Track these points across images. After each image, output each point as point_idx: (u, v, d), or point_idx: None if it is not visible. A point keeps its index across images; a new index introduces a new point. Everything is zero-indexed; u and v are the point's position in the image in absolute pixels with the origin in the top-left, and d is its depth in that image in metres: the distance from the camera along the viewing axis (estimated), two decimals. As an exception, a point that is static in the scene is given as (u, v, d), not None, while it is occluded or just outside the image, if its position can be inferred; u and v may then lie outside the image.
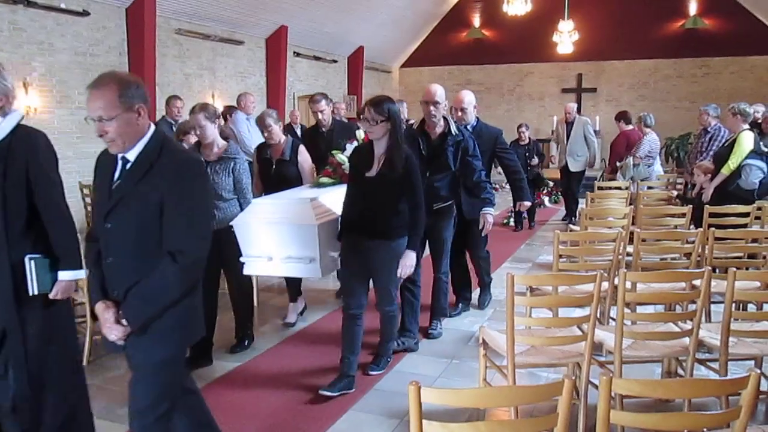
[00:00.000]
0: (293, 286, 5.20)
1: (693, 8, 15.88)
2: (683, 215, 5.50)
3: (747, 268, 4.61)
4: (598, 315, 3.34)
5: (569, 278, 3.58)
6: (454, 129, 4.54)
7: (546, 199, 11.65)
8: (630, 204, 6.51)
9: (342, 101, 13.36)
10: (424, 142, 4.58)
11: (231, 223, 4.09)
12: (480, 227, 4.72)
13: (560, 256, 4.27)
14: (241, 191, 4.25)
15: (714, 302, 4.37)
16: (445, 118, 4.57)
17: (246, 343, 4.60)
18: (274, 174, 4.93)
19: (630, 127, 9.15)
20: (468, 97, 5.14)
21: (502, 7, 13.28)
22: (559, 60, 16.35)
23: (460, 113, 5.09)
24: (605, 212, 5.94)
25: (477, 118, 5.21)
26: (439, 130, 4.59)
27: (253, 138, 8.37)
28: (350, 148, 4.61)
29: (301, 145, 5.07)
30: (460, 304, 5.44)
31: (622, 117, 9.36)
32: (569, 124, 9.67)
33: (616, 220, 5.62)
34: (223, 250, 4.03)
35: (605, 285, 3.96)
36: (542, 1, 14.85)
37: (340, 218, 4.00)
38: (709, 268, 3.30)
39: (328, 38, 14.65)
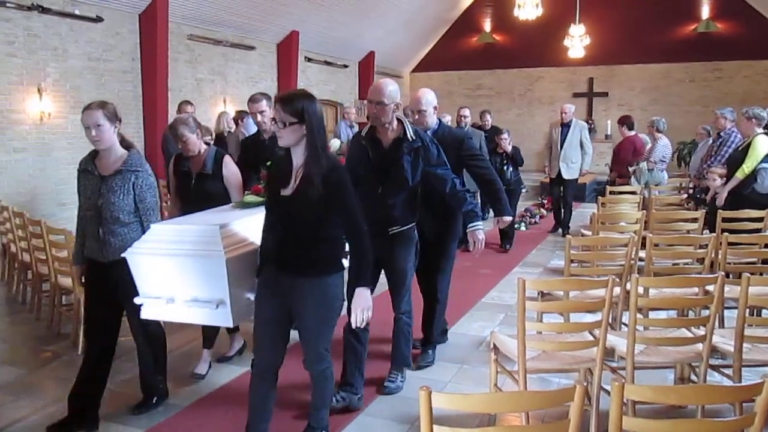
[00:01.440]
0: (209, 327, 4.19)
1: (705, 12, 15.80)
2: (696, 220, 5.46)
3: (761, 274, 4.56)
4: (609, 320, 3.32)
5: (581, 283, 3.56)
6: (410, 133, 3.67)
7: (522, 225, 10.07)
8: (642, 208, 6.48)
9: (353, 106, 13.40)
10: (374, 150, 3.71)
11: (124, 254, 3.23)
12: (471, 248, 3.97)
13: (572, 261, 4.26)
14: (145, 213, 3.40)
15: (727, 308, 4.33)
16: (400, 121, 3.73)
17: (155, 401, 3.72)
18: (193, 190, 4.10)
19: (632, 132, 8.99)
20: (427, 97, 4.29)
21: (513, 12, 13.29)
22: (570, 64, 16.31)
23: (417, 116, 4.25)
24: (617, 217, 5.91)
25: (439, 120, 4.37)
26: (392, 135, 3.72)
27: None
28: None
29: (226, 155, 4.21)
30: (430, 350, 4.47)
31: (625, 122, 9.12)
32: (565, 127, 8.95)
33: (628, 224, 5.59)
34: (120, 287, 3.34)
35: (617, 290, 3.94)
36: (553, 5, 14.84)
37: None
38: (723, 273, 3.27)
39: (339, 43, 14.70)
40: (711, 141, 8.43)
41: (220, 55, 11.75)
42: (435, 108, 4.28)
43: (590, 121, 16.61)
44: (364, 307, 2.95)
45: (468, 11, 17.77)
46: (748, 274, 3.18)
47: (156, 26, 9.74)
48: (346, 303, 3.18)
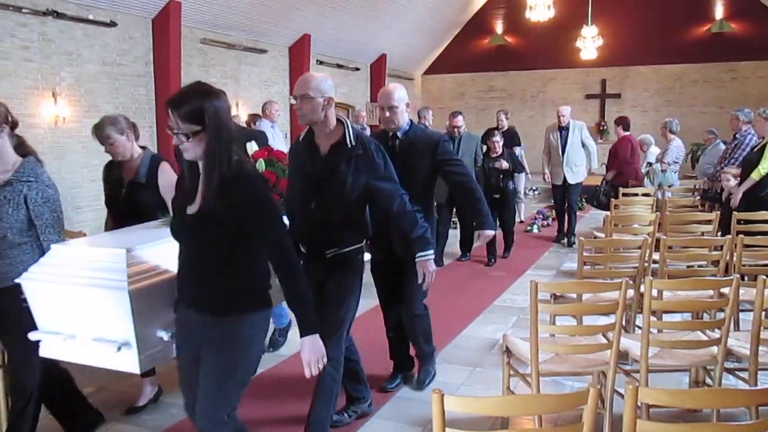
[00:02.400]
0: None
1: (719, 12, 15.68)
2: (710, 222, 5.42)
3: (777, 276, 4.52)
4: (623, 323, 3.30)
5: (594, 286, 3.54)
6: (350, 138, 3.07)
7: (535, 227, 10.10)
8: (655, 210, 6.43)
9: (364, 109, 13.42)
10: (311, 158, 3.13)
11: (17, 280, 2.71)
12: (419, 280, 3.30)
13: (584, 263, 4.24)
14: (43, 231, 2.87)
15: (743, 310, 4.30)
16: (341, 122, 3.14)
17: None
18: (123, 201, 3.57)
19: (627, 133, 8.84)
20: (399, 92, 3.77)
21: (524, 14, 13.25)
22: (583, 66, 16.24)
23: (388, 113, 3.74)
24: (630, 219, 5.87)
25: (411, 121, 3.87)
26: (330, 139, 3.10)
27: (277, 145, 8.44)
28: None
29: (164, 162, 3.66)
30: (399, 377, 4.11)
31: (622, 123, 8.93)
32: (563, 130, 8.56)
33: (641, 226, 5.56)
34: (10, 319, 2.85)
35: (630, 292, 3.92)
36: (565, 6, 14.79)
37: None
38: (738, 275, 3.24)
39: (351, 46, 14.73)
40: (720, 143, 8.41)
41: (233, 58, 11.81)
42: (407, 105, 3.80)
43: (603, 123, 16.53)
44: (313, 359, 2.37)
45: (479, 13, 17.75)
46: (764, 277, 3.15)
47: (169, 31, 9.80)
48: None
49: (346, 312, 3.19)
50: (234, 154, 2.29)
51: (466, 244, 7.89)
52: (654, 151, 9.42)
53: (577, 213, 10.44)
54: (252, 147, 3.60)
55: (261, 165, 3.44)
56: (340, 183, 3.06)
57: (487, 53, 17.96)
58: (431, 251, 3.27)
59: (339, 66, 15.01)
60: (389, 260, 3.70)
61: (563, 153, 8.47)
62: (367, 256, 3.48)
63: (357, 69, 15.73)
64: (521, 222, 9.55)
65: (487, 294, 6.17)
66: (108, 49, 9.30)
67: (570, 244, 8.43)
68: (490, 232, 3.88)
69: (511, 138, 9.48)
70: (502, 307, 5.79)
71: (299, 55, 13.18)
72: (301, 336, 2.36)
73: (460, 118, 7.37)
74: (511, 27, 17.41)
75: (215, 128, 2.22)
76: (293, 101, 3.05)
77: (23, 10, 8.07)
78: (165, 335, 2.59)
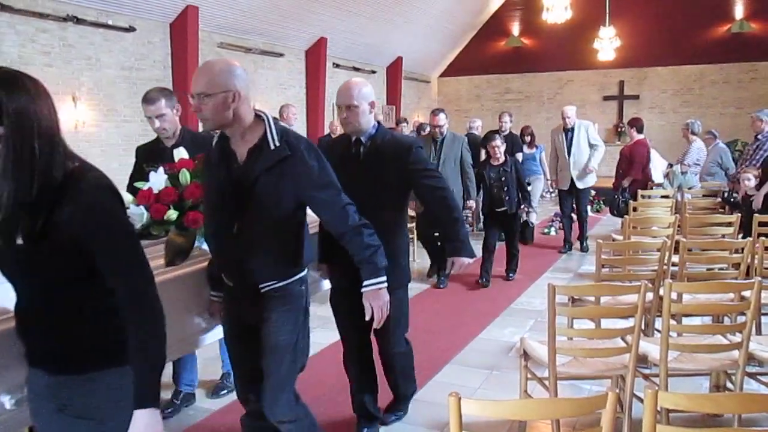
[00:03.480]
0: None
1: (739, 12, 15.50)
2: (731, 224, 5.35)
3: (799, 279, 4.45)
4: (642, 326, 3.27)
5: (612, 288, 3.51)
6: (273, 138, 2.39)
7: (588, 208, 11.12)
8: (675, 212, 6.37)
9: (380, 112, 13.45)
10: (225, 169, 2.46)
11: None
12: (367, 316, 2.64)
13: (603, 266, 4.20)
14: None
15: (764, 314, 4.23)
16: (261, 119, 2.44)
17: None
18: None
19: (642, 135, 8.44)
20: (361, 89, 3.13)
21: (541, 15, 13.20)
22: (601, 67, 16.13)
23: (346, 114, 3.10)
24: (649, 221, 5.82)
25: (378, 123, 3.22)
26: (248, 143, 2.43)
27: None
28: (155, 175, 2.71)
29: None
30: (402, 405, 3.69)
31: (636, 124, 8.48)
32: (569, 132, 8.10)
33: (660, 229, 5.51)
34: None
35: (650, 295, 3.88)
36: (582, 8, 14.71)
37: None
38: (760, 278, 3.20)
39: (367, 49, 14.76)
40: (719, 143, 8.44)
41: (250, 62, 11.88)
42: (371, 104, 3.14)
43: (621, 125, 16.40)
44: None
45: (496, 15, 17.70)
46: (786, 280, 3.11)
47: (187, 35, 9.90)
48: None
49: (292, 363, 2.53)
50: (64, 160, 1.69)
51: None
52: (658, 165, 9.23)
53: (595, 216, 10.32)
54: (180, 153, 2.82)
55: (185, 176, 2.71)
56: (264, 197, 2.39)
57: (503, 55, 17.91)
58: (380, 279, 2.57)
59: (355, 69, 15.05)
60: (355, 289, 2.68)
61: (569, 155, 8.03)
62: (326, 284, 3.18)
63: (373, 72, 15.76)
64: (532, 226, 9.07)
65: (505, 297, 6.14)
66: (127, 54, 9.40)
67: (584, 250, 8.20)
68: (465, 260, 3.25)
69: (512, 143, 8.86)
70: (519, 310, 5.76)
71: (316, 58, 13.24)
72: (136, 407, 1.67)
73: (441, 116, 6.60)
74: (528, 28, 17.34)
75: (14, 123, 1.62)
76: (192, 101, 2.38)
77: (44, 16, 8.19)
78: (8, 401, 1.98)
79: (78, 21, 8.60)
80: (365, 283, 2.58)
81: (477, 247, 7.32)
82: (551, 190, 13.16)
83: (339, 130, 11.50)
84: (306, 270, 2.62)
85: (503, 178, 6.64)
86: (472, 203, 6.78)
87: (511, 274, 6.91)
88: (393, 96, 16.36)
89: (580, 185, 8.10)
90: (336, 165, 2.64)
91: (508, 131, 9.03)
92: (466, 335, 5.02)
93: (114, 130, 9.14)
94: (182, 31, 9.93)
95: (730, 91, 15.83)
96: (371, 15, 13.37)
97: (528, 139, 9.68)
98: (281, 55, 12.58)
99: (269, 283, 2.49)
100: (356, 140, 3.20)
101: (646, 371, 3.56)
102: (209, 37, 10.75)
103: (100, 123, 8.98)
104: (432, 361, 4.47)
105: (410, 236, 6.51)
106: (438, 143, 6.56)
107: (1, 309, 1.96)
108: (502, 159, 6.72)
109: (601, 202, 11.08)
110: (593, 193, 11.03)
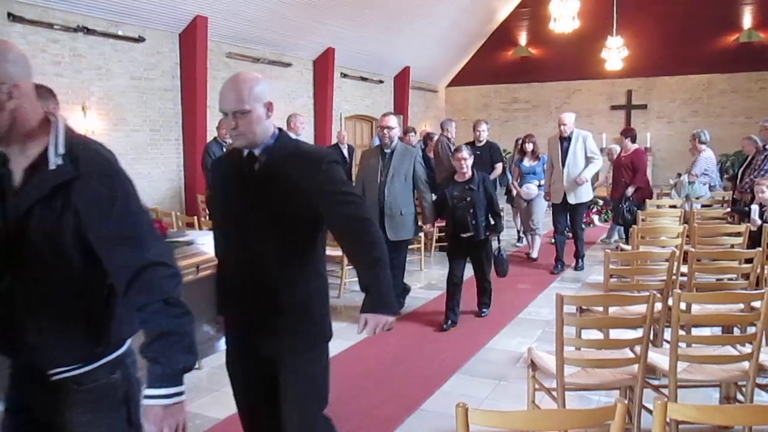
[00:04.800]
0: None
1: (747, 22, 15.48)
2: (740, 234, 5.32)
3: (810, 290, 4.42)
4: (651, 337, 3.25)
5: (620, 299, 3.50)
6: (55, 150, 1.68)
7: (596, 218, 11.13)
8: (683, 222, 6.34)
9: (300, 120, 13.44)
10: (0, 197, 1.75)
11: None
12: None
13: (611, 276, 4.19)
14: None
15: (775, 325, 4.20)
16: (49, 123, 1.74)
17: None
18: None
19: (636, 145, 8.34)
20: (252, 87, 2.35)
21: (549, 25, 13.20)
22: (608, 77, 16.12)
23: (235, 122, 2.30)
24: (658, 231, 5.80)
25: (278, 130, 2.43)
26: (30, 157, 1.71)
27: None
28: None
29: None
30: None
31: (630, 134, 8.34)
32: (565, 141, 7.37)
33: (669, 239, 5.49)
34: None
35: (658, 306, 3.85)
36: (590, 17, 14.72)
37: None
38: (769, 289, 3.18)
39: (375, 59, 14.81)
40: (702, 154, 8.39)
41: (258, 72, 11.89)
42: (268, 106, 2.37)
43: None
44: None
45: (503, 25, 17.74)
46: (797, 290, 3.08)
47: (195, 45, 9.97)
48: None
49: None
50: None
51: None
52: None
53: (604, 225, 10.14)
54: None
55: None
56: (39, 239, 1.65)
57: (511, 65, 17.93)
58: (171, 390, 1.66)
59: (363, 79, 15.10)
60: (255, 352, 2.35)
61: (563, 167, 7.30)
62: (224, 343, 2.50)
63: (381, 81, 15.81)
64: (535, 259, 8.26)
65: (512, 307, 6.12)
66: (136, 64, 9.47)
67: (579, 268, 7.58)
68: (384, 319, 2.27)
69: (491, 155, 8.20)
70: (527, 320, 5.74)
71: (324, 68, 13.30)
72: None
73: (392, 118, 5.66)
74: (535, 38, 17.36)
75: None
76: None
77: (54, 27, 8.27)
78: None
79: (88, 31, 8.68)
80: (147, 393, 1.67)
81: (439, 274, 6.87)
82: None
83: (345, 140, 11.51)
84: (125, 347, 1.82)
85: (468, 198, 5.46)
86: (428, 229, 6.15)
87: (484, 310, 5.83)
88: (400, 106, 16.41)
89: (572, 200, 7.34)
90: (220, 188, 2.34)
91: (485, 141, 8.30)
92: (473, 345, 5.00)
93: (123, 139, 9.20)
94: (191, 41, 10.00)
95: (739, 100, 15.79)
96: (379, 25, 13.43)
97: (530, 148, 8.43)
98: (289, 64, 12.64)
99: (59, 369, 1.72)
100: (249, 155, 2.34)
101: (655, 382, 3.53)
102: (218, 47, 10.82)
103: (109, 132, 9.03)
104: (439, 372, 4.45)
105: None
106: (387, 155, 5.61)
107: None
108: (468, 174, 5.51)
109: (609, 212, 11.02)
110: (600, 203, 11.01)
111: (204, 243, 2.43)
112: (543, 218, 8.47)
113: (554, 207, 7.63)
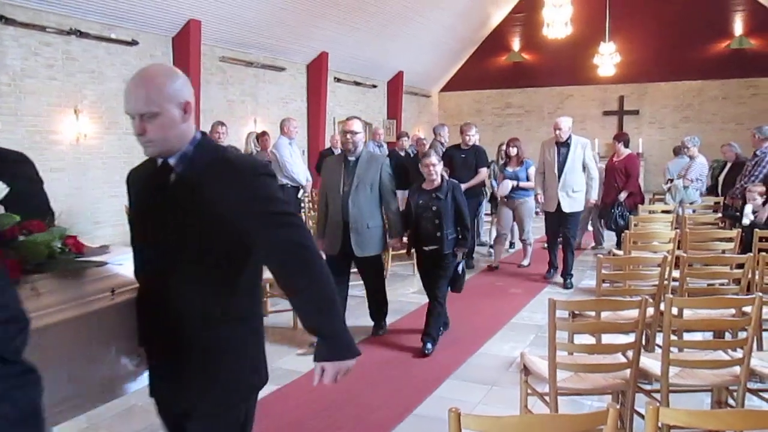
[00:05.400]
0: None
1: (739, 28, 15.60)
2: (731, 239, 5.35)
3: (800, 295, 4.44)
4: (643, 342, 3.26)
5: (613, 303, 3.50)
6: None
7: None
8: (675, 227, 6.37)
9: (381, 126, 13.48)
10: None
11: None
12: None
13: (603, 281, 4.20)
14: None
15: (766, 329, 4.22)
16: None
17: None
18: None
19: (629, 150, 8.35)
20: (164, 87, 1.91)
21: (542, 31, 13.26)
22: (601, 82, 16.20)
23: (142, 124, 1.92)
24: (650, 236, 5.82)
25: (201, 134, 2.02)
26: None
27: (295, 162, 8.51)
28: None
29: None
30: None
31: (623, 139, 8.30)
32: (562, 147, 7.01)
33: (661, 244, 5.50)
34: None
35: (650, 311, 3.86)
36: (583, 23, 14.80)
37: None
38: (760, 294, 3.19)
39: (368, 64, 14.83)
40: (683, 157, 8.54)
41: (252, 76, 11.94)
42: (185, 107, 1.93)
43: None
44: None
45: (497, 30, 17.81)
46: (787, 295, 3.10)
47: (189, 49, 9.96)
48: None
49: None
50: None
51: (378, 313, 5.47)
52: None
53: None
54: None
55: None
56: None
57: (504, 70, 18.00)
58: None
59: (356, 83, 15.11)
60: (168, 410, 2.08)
61: (560, 174, 6.94)
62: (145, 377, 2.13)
63: (374, 86, 15.83)
64: (527, 266, 8.04)
65: (505, 311, 6.12)
66: (129, 67, 9.44)
67: (567, 287, 7.06)
68: (343, 364, 1.94)
69: (476, 158, 7.79)
70: (520, 325, 5.74)
71: (317, 72, 13.31)
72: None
73: (355, 122, 5.14)
74: (529, 44, 17.44)
75: None
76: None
77: (47, 30, 8.25)
78: None
79: (81, 34, 8.66)
80: None
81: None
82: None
83: (339, 145, 11.54)
84: None
85: (434, 207, 4.96)
86: (395, 244, 5.48)
87: (428, 344, 4.91)
88: (394, 110, 16.43)
89: (567, 208, 7.00)
90: (134, 203, 2.05)
91: (471, 145, 7.84)
92: (466, 350, 5.00)
93: (116, 142, 9.17)
94: (184, 44, 9.99)
95: (730, 106, 15.89)
96: (372, 30, 13.46)
97: (514, 152, 8.01)
98: (283, 69, 12.64)
99: None
100: (163, 165, 1.97)
101: (647, 387, 3.54)
102: (211, 51, 10.81)
103: (101, 136, 9.00)
104: (432, 376, 4.45)
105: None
106: (351, 163, 5.07)
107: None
108: (437, 182, 5.04)
109: (601, 221, 10.88)
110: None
111: (122, 263, 2.10)
112: (531, 224, 8.17)
113: (547, 216, 7.29)
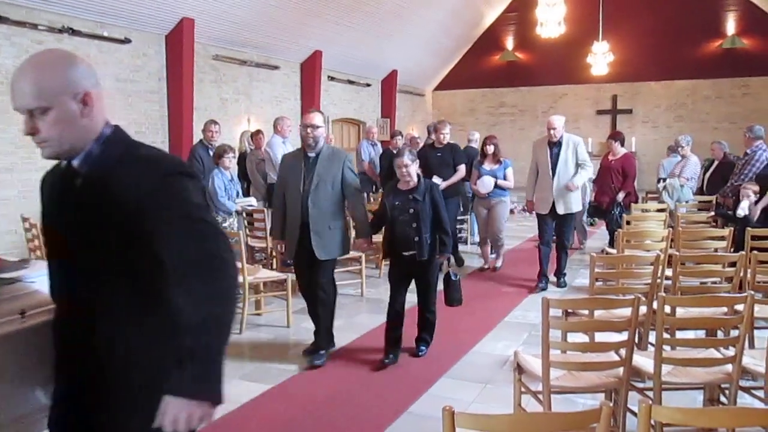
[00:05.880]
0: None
1: (731, 28, 15.66)
2: (723, 238, 5.37)
3: (792, 293, 4.47)
4: (636, 340, 3.27)
5: (606, 302, 3.51)
6: None
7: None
8: (668, 226, 6.39)
9: (375, 125, 13.47)
10: None
11: None
12: None
13: (597, 279, 4.21)
14: None
15: (757, 327, 4.25)
16: None
17: None
18: None
19: (624, 149, 8.24)
20: (55, 73, 1.63)
21: (535, 30, 13.28)
22: (594, 81, 16.24)
23: (32, 122, 1.65)
24: (643, 234, 5.84)
25: (113, 128, 1.81)
26: None
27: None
28: None
29: None
30: None
31: (619, 138, 8.20)
32: (554, 147, 6.73)
33: (654, 242, 5.52)
34: None
35: (643, 309, 3.88)
36: (576, 23, 14.82)
37: None
38: (752, 292, 3.21)
39: (362, 62, 14.82)
40: (674, 155, 8.56)
41: (245, 74, 11.91)
42: (84, 100, 1.69)
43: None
44: None
45: (490, 30, 17.83)
46: (779, 294, 3.12)
47: (182, 47, 9.92)
48: None
49: None
50: None
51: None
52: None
53: (591, 230, 9.97)
54: None
55: None
56: None
57: (498, 69, 18.02)
58: None
59: (350, 82, 15.10)
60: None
61: (553, 175, 6.67)
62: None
63: (368, 85, 15.82)
64: (499, 268, 7.93)
65: (499, 310, 6.13)
66: (122, 66, 9.41)
67: (561, 285, 7.02)
68: (196, 410, 1.56)
69: (453, 156, 7.45)
70: (513, 324, 5.75)
71: (311, 71, 13.29)
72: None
73: (316, 115, 4.73)
74: (522, 43, 17.47)
75: None
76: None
77: (39, 28, 8.20)
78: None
79: (73, 32, 8.62)
80: None
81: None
82: (522, 211, 11.16)
83: (333, 143, 11.50)
84: None
85: (411, 210, 4.58)
86: (362, 246, 5.08)
87: (422, 348, 4.86)
88: (388, 109, 16.43)
89: (561, 210, 6.72)
90: (44, 210, 1.84)
91: (445, 143, 7.47)
92: (459, 348, 5.00)
93: (108, 141, 9.13)
94: (177, 43, 9.95)
95: (723, 106, 15.97)
96: (366, 28, 13.45)
97: (491, 150, 7.67)
98: (276, 67, 12.62)
99: None
100: (67, 167, 1.77)
101: (640, 385, 3.55)
102: (204, 50, 10.77)
103: (94, 134, 8.97)
104: (426, 375, 4.45)
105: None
106: (310, 160, 4.68)
107: None
108: (413, 182, 4.64)
109: (594, 219, 10.93)
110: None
111: (37, 280, 1.89)
112: (506, 226, 7.97)
113: (540, 218, 6.97)
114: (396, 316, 4.77)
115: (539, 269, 7.01)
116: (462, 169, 7.51)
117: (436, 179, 6.80)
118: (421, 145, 9.33)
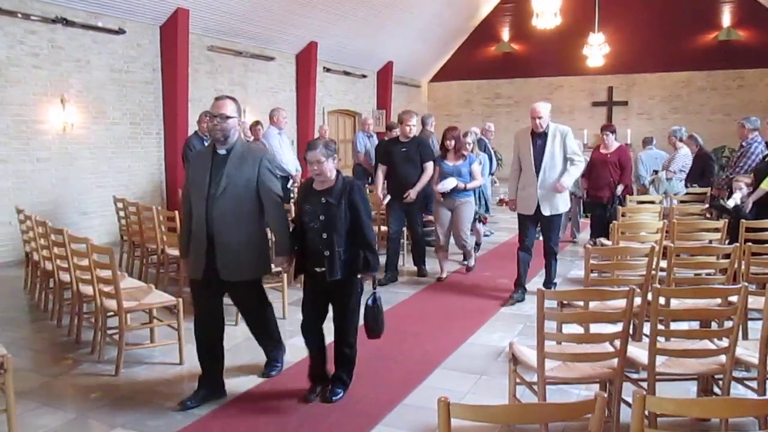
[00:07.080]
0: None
1: (726, 20, 15.68)
2: (718, 230, 5.39)
3: (785, 284, 4.49)
4: (630, 331, 3.28)
5: (601, 293, 3.53)
6: None
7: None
8: (663, 218, 6.41)
9: (371, 116, 13.44)
10: None
11: None
12: None
13: (592, 271, 4.22)
14: None
15: (751, 319, 4.27)
16: None
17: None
18: None
19: (617, 142, 8.06)
20: None
21: (531, 21, 13.26)
22: (590, 73, 16.24)
23: None
24: (638, 226, 5.85)
25: None
26: None
27: (284, 152, 8.49)
28: None
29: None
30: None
31: (612, 130, 7.97)
32: (538, 138, 5.87)
33: (648, 234, 5.54)
34: None
35: (638, 300, 3.90)
36: (572, 14, 14.81)
37: None
38: (746, 283, 3.22)
39: (358, 53, 14.78)
40: (652, 148, 8.53)
41: (240, 65, 11.87)
42: None
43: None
44: None
45: (486, 21, 17.80)
46: (773, 285, 3.13)
47: (177, 38, 9.86)
48: None
49: None
50: None
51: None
52: None
53: (580, 223, 9.21)
54: None
55: None
56: None
57: (493, 60, 18.00)
58: None
59: (346, 73, 15.06)
60: None
61: (537, 170, 5.80)
62: None
63: (364, 76, 15.78)
64: (472, 268, 7.30)
65: (494, 301, 6.14)
66: (116, 56, 9.36)
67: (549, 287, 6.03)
68: None
69: (420, 152, 6.78)
70: (508, 315, 5.76)
71: (306, 62, 13.25)
72: None
73: (227, 103, 3.81)
74: (518, 34, 17.44)
75: None
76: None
77: (32, 18, 8.14)
78: None
79: (67, 23, 8.56)
80: None
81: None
82: (498, 204, 10.16)
83: (327, 135, 11.47)
84: None
85: (322, 216, 3.71)
86: (281, 265, 4.13)
87: (337, 391, 3.91)
88: (383, 100, 16.40)
89: (547, 211, 5.85)
90: None
91: (412, 137, 6.81)
92: (455, 340, 5.02)
93: (103, 132, 9.09)
94: (172, 33, 9.89)
95: (717, 97, 16.00)
96: (362, 19, 13.40)
97: (451, 144, 6.73)
98: (272, 58, 12.57)
99: None
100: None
101: (635, 376, 3.57)
102: (199, 40, 10.72)
103: (88, 125, 8.92)
104: (421, 366, 4.46)
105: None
106: (219, 158, 3.81)
107: None
108: (329, 182, 3.76)
109: (584, 213, 10.56)
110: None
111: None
112: (470, 228, 7.04)
113: (522, 219, 6.06)
114: (310, 342, 3.94)
115: (516, 278, 6.17)
116: (430, 167, 6.73)
117: (413, 192, 6.48)
118: (394, 133, 7.96)
